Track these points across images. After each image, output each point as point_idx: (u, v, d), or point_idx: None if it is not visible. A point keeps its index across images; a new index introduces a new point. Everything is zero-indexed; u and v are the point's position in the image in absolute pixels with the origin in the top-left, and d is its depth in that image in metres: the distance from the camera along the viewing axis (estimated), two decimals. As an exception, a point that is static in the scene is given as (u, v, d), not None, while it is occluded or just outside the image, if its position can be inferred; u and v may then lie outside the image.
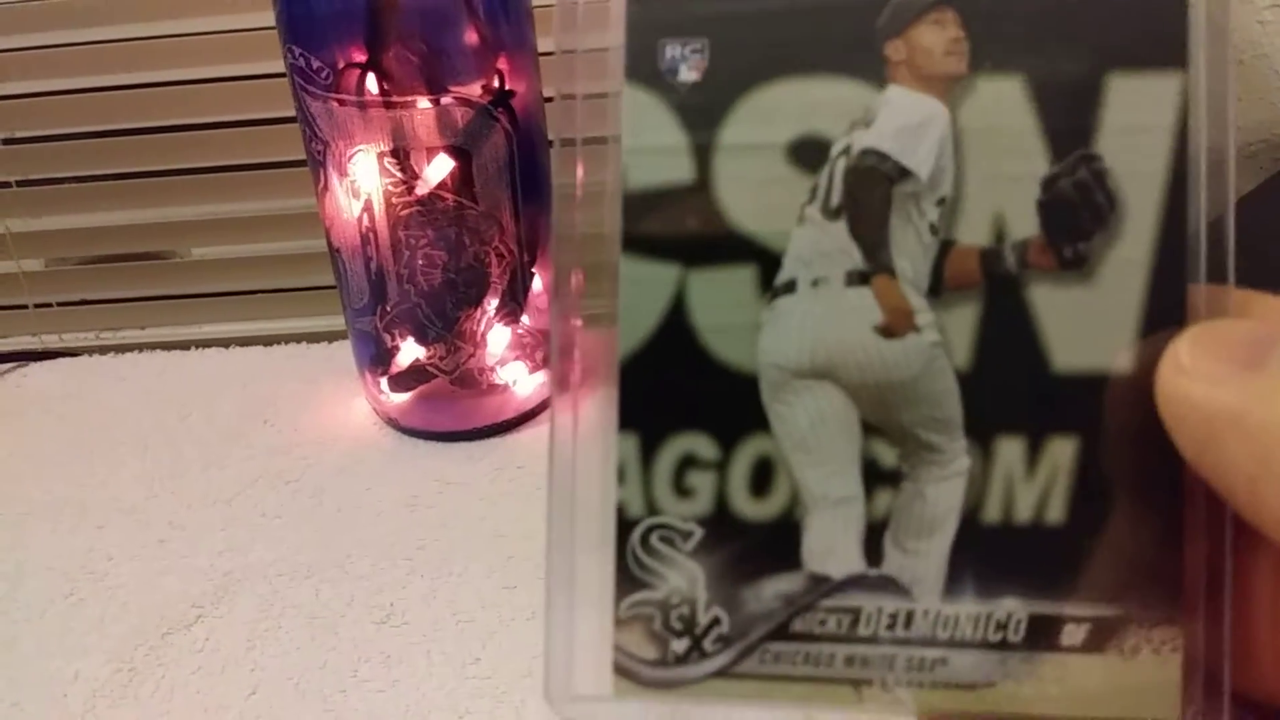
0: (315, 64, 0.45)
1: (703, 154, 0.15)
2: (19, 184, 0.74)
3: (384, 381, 0.53)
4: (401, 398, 0.53)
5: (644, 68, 0.15)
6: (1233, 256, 0.15)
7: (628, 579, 0.15)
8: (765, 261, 0.15)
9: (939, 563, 0.15)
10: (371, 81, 0.45)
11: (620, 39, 0.15)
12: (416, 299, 0.50)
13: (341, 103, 0.46)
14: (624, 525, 0.15)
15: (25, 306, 0.77)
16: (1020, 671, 0.15)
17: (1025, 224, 0.15)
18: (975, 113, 0.15)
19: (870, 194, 0.15)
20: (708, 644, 0.15)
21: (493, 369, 0.53)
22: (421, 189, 0.47)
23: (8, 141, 0.73)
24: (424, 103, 0.46)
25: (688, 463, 0.15)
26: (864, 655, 0.15)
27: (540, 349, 0.54)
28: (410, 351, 0.52)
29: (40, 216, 0.75)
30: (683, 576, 0.15)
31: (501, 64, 0.48)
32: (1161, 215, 0.15)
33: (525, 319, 0.53)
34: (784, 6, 0.15)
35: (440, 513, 0.49)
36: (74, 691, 0.40)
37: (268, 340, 0.65)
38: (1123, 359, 0.15)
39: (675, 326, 0.15)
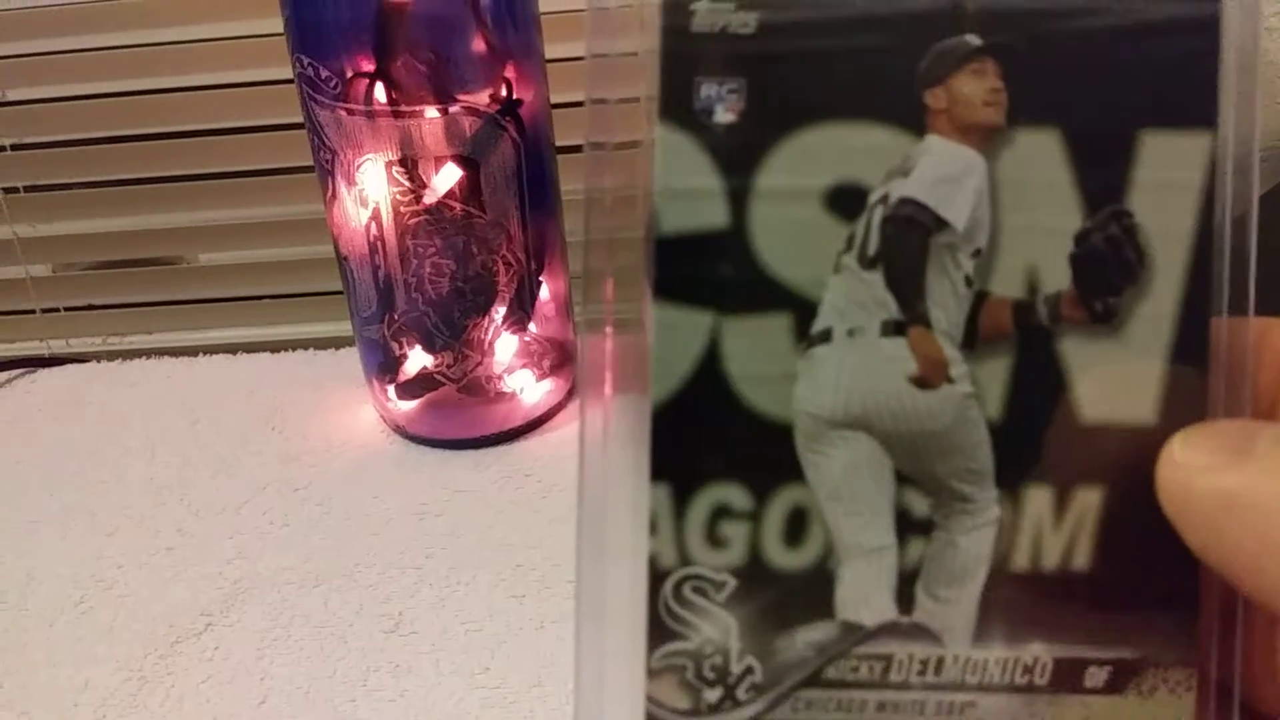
0: (323, 73, 0.45)
1: (738, 198, 0.15)
2: (26, 189, 0.74)
3: (391, 389, 0.53)
4: (409, 405, 0.53)
5: (679, 106, 0.15)
6: (1253, 301, 0.15)
7: (660, 630, 0.15)
8: (801, 310, 0.15)
9: (969, 610, 0.16)
10: (380, 91, 0.46)
11: (654, 69, 0.15)
12: (424, 307, 0.50)
13: (350, 112, 0.46)
14: (656, 576, 0.15)
15: (33, 311, 0.77)
16: (1045, 714, 0.15)
17: (1058, 277, 0.15)
18: (1012, 165, 0.15)
19: (907, 244, 0.15)
20: (740, 693, 0.15)
21: (500, 377, 0.53)
22: (429, 198, 0.47)
23: (16, 147, 0.73)
24: (432, 112, 0.46)
25: (721, 513, 0.15)
26: (895, 701, 0.15)
27: (547, 357, 0.54)
28: (418, 359, 0.52)
29: (48, 222, 0.75)
30: (716, 627, 0.15)
31: (509, 73, 0.48)
32: (1188, 271, 0.15)
33: (533, 327, 0.53)
34: (823, 49, 0.15)
35: (448, 521, 0.49)
36: (84, 700, 0.40)
37: (275, 346, 0.65)
38: (1147, 411, 0.15)
39: (709, 374, 0.15)
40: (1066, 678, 0.15)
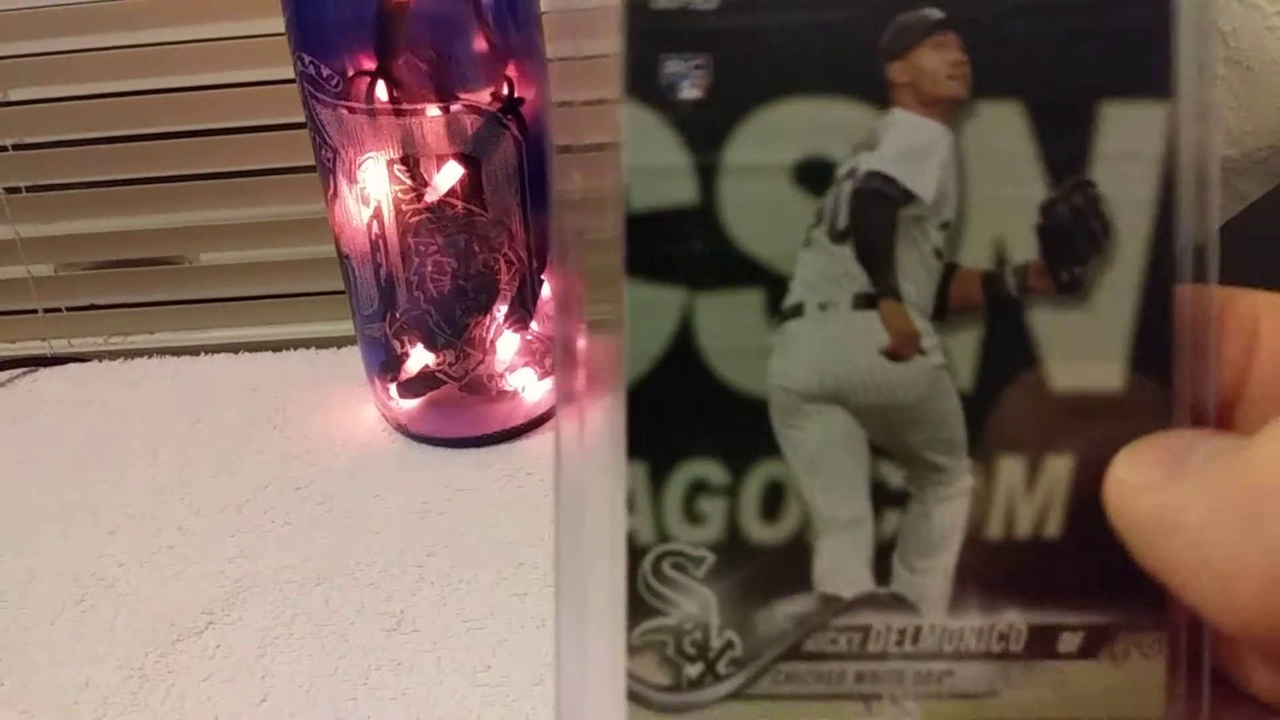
0: (325, 71, 0.45)
1: (707, 175, 0.15)
2: (29, 189, 0.75)
3: (393, 388, 0.53)
4: (411, 404, 0.53)
5: (644, 83, 0.15)
6: (1217, 270, 0.16)
7: (640, 606, 0.15)
8: (772, 285, 0.15)
9: (944, 579, 0.16)
10: (381, 89, 0.45)
11: (618, 47, 0.15)
12: (426, 306, 0.50)
13: (351, 110, 0.46)
14: (635, 553, 0.15)
15: (35, 311, 0.77)
16: (1020, 680, 0.16)
17: (1025, 248, 0.16)
18: (977, 136, 0.15)
19: (876, 217, 0.15)
20: (721, 667, 0.15)
21: (502, 375, 0.53)
22: (431, 196, 0.47)
23: (18, 147, 0.73)
24: (434, 110, 0.46)
25: (698, 488, 0.15)
26: (874, 671, 0.16)
27: (549, 355, 0.54)
28: (419, 358, 0.52)
29: (50, 221, 0.75)
30: (695, 602, 0.15)
31: (510, 71, 0.48)
32: (1151, 240, 0.16)
33: (534, 325, 0.53)
34: (787, 24, 0.15)
35: (450, 519, 0.49)
36: (85, 699, 0.40)
37: (277, 345, 0.65)
38: (1115, 379, 0.16)
39: (683, 351, 0.15)
40: (1040, 644, 0.16)
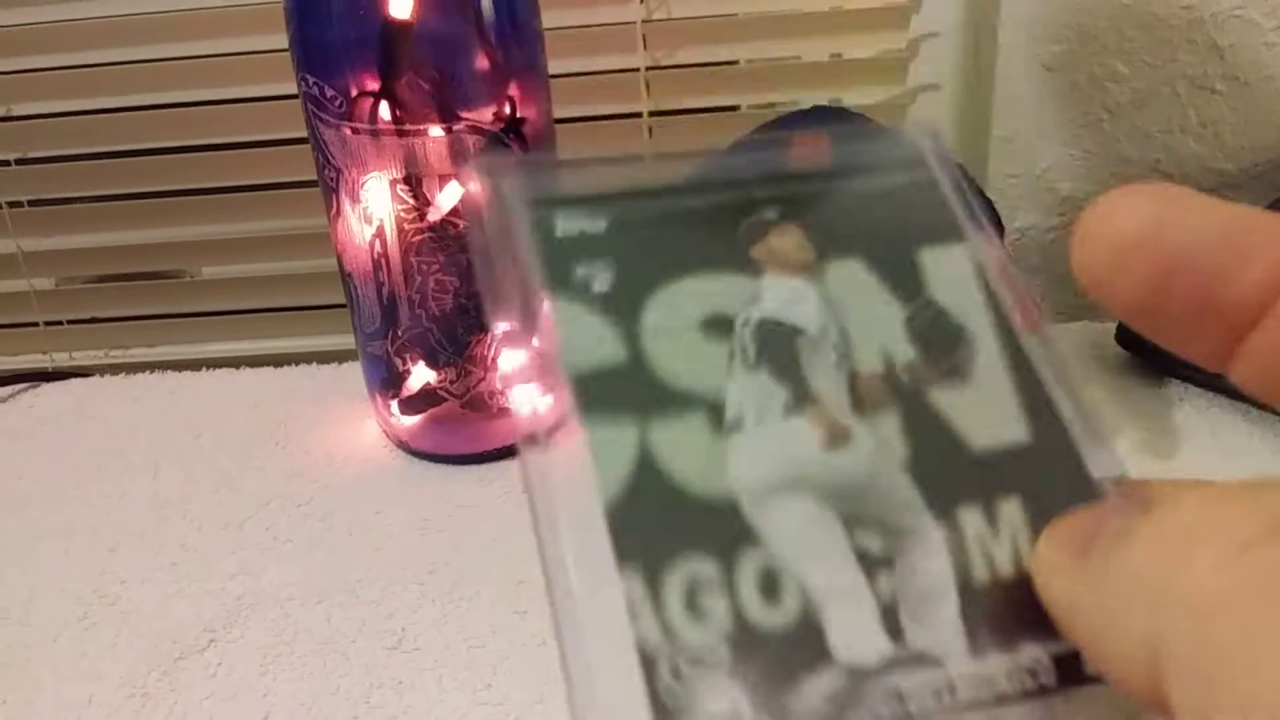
0: (329, 92, 0.46)
1: (631, 338, 0.18)
2: (30, 203, 0.75)
3: (395, 404, 0.54)
4: (412, 421, 0.54)
5: (563, 284, 0.18)
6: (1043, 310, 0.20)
7: (665, 713, 0.15)
8: (711, 408, 0.17)
9: (955, 626, 0.16)
10: (384, 109, 0.46)
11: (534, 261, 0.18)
12: (428, 324, 0.50)
13: (354, 130, 0.46)
14: (648, 661, 0.15)
15: (36, 324, 0.77)
16: (1063, 712, 0.16)
17: (906, 352, 0.19)
18: (835, 285, 0.19)
19: (778, 346, 0.18)
20: None
21: (503, 392, 0.53)
22: (433, 215, 0.48)
23: (20, 161, 0.74)
24: (436, 130, 0.46)
25: (695, 587, 0.16)
26: None
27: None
28: (421, 375, 0.52)
29: (51, 235, 0.75)
30: (723, 698, 0.15)
31: (513, 90, 0.48)
32: (996, 326, 0.19)
33: (536, 342, 0.53)
34: (664, 232, 0.19)
35: (451, 536, 0.49)
36: (87, 717, 0.40)
37: (278, 360, 0.65)
38: (1021, 433, 0.19)
39: (648, 473, 0.17)
40: (1069, 672, 0.16)
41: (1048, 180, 0.76)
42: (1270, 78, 0.72)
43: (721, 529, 0.16)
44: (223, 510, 0.52)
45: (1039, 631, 0.16)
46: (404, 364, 0.52)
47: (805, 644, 0.16)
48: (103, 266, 0.78)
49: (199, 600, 0.46)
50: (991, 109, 0.74)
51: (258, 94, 0.70)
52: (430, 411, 0.53)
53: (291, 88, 0.49)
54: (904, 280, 0.19)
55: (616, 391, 0.17)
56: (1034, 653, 0.16)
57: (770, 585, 0.16)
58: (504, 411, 0.53)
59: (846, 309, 0.19)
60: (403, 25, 0.45)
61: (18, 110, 0.73)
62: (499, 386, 0.53)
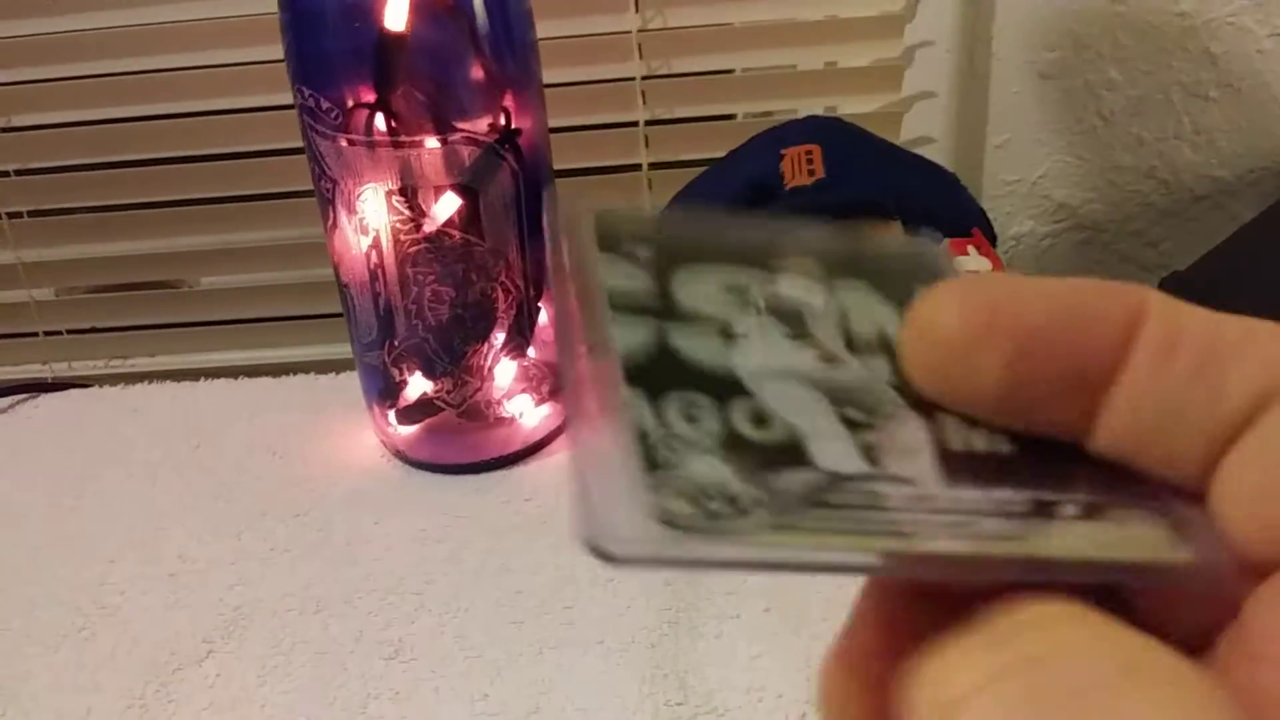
0: (324, 104, 0.46)
1: (660, 278, 0.19)
2: (30, 214, 0.75)
3: (392, 414, 0.54)
4: (409, 430, 0.54)
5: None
6: None
7: (654, 466, 0.16)
8: (724, 328, 0.19)
9: (932, 470, 0.18)
10: (380, 121, 0.46)
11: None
12: (424, 334, 0.50)
13: (350, 142, 0.46)
14: (643, 435, 0.17)
15: (36, 334, 0.78)
16: (1041, 530, 0.17)
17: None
18: (840, 290, 0.21)
19: (787, 309, 0.20)
20: (747, 507, 0.17)
21: (499, 402, 0.53)
22: (429, 226, 0.48)
23: (20, 172, 0.74)
24: (432, 142, 0.46)
25: (691, 407, 0.17)
26: (900, 519, 0.17)
27: (546, 381, 0.55)
28: (418, 385, 0.52)
29: (51, 246, 0.76)
30: (711, 469, 0.17)
31: (507, 101, 0.48)
32: None
33: (531, 352, 0.53)
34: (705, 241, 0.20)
35: (448, 546, 0.49)
36: (86, 728, 0.41)
37: (276, 370, 0.65)
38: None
39: (662, 349, 0.18)
40: (1045, 511, 0.17)
41: (1043, 187, 0.77)
42: (1264, 84, 0.72)
43: (720, 384, 0.18)
44: (221, 521, 0.52)
45: (1015, 481, 0.17)
46: (401, 374, 0.52)
47: (790, 455, 0.17)
48: (102, 277, 0.78)
49: (197, 611, 0.46)
50: (987, 116, 0.75)
51: (255, 104, 0.71)
52: (427, 421, 0.53)
53: (289, 98, 0.49)
54: (904, 300, 0.20)
55: (639, 304, 0.19)
56: (1009, 494, 0.17)
57: (760, 419, 0.18)
58: (501, 421, 0.54)
59: (848, 305, 0.20)
60: (397, 37, 0.45)
61: (17, 121, 0.73)
62: (496, 396, 0.53)
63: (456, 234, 0.48)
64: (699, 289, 0.20)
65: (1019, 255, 0.78)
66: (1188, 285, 0.59)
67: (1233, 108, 0.73)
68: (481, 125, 0.48)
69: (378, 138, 0.46)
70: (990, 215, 0.56)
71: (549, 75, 0.52)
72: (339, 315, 0.55)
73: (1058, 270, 0.79)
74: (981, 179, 0.76)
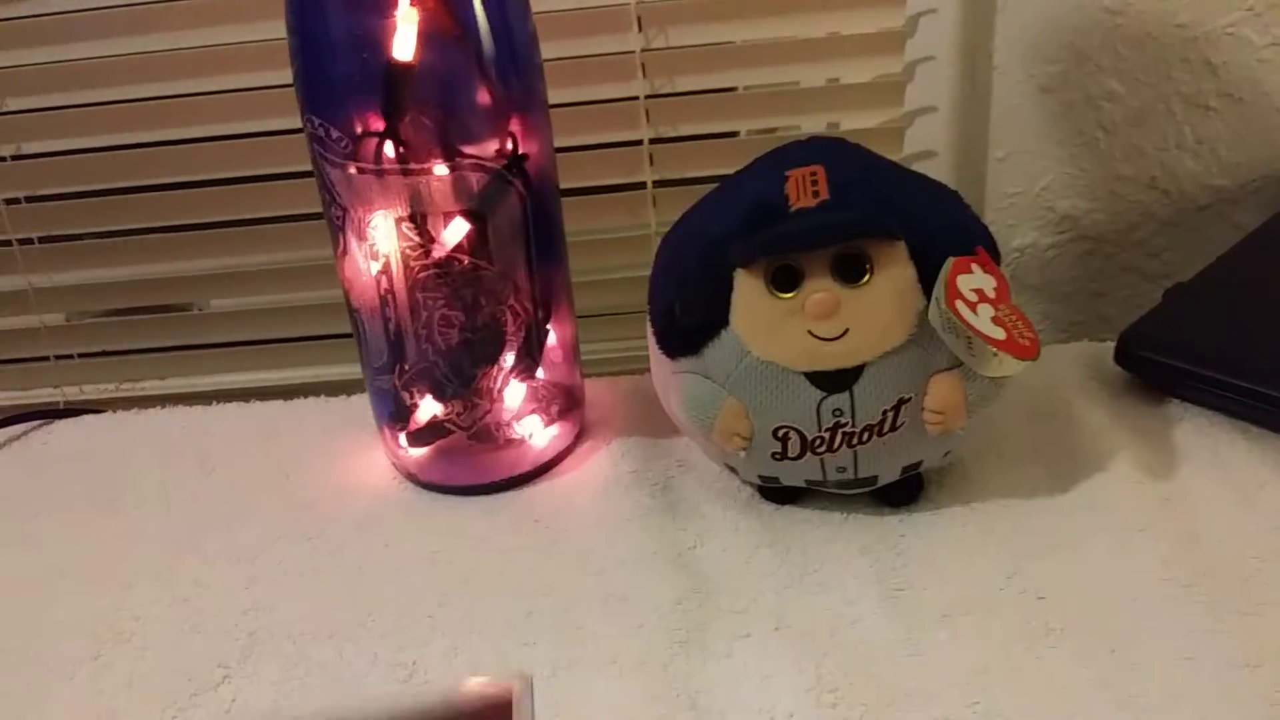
0: (334, 133, 0.46)
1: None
2: (41, 240, 0.76)
3: (402, 437, 0.54)
4: (420, 453, 0.54)
5: None
6: None
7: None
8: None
9: None
10: (389, 148, 0.47)
11: None
12: (434, 358, 0.51)
13: (360, 170, 0.47)
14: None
15: (47, 359, 0.78)
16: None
17: None
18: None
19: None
20: None
21: (509, 423, 0.54)
22: (438, 252, 0.48)
23: (30, 199, 0.75)
24: (440, 168, 0.47)
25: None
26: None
27: (555, 402, 0.55)
28: (428, 408, 0.53)
29: (62, 271, 0.76)
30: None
31: (514, 126, 0.49)
32: None
33: (540, 373, 0.54)
34: None
35: (460, 568, 0.49)
36: (105, 755, 0.41)
37: (288, 393, 0.66)
38: None
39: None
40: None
41: (1046, 199, 0.77)
42: (1264, 94, 0.72)
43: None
44: (235, 545, 0.52)
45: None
46: (411, 397, 0.53)
47: None
48: (112, 301, 0.79)
49: (213, 636, 0.47)
50: (988, 130, 0.75)
51: (263, 129, 0.71)
52: (438, 443, 0.54)
53: (297, 122, 0.49)
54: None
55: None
56: None
57: None
58: (511, 442, 0.54)
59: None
60: (405, 66, 0.45)
61: (27, 149, 0.74)
62: (505, 417, 0.53)
63: (465, 259, 0.49)
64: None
65: (1023, 267, 0.79)
66: (1191, 295, 0.59)
67: (1233, 117, 0.73)
68: (489, 150, 0.48)
69: (387, 165, 0.47)
70: (993, 228, 0.56)
71: (553, 96, 0.52)
72: (348, 335, 0.55)
73: (1061, 281, 0.80)
74: (984, 192, 0.77)
